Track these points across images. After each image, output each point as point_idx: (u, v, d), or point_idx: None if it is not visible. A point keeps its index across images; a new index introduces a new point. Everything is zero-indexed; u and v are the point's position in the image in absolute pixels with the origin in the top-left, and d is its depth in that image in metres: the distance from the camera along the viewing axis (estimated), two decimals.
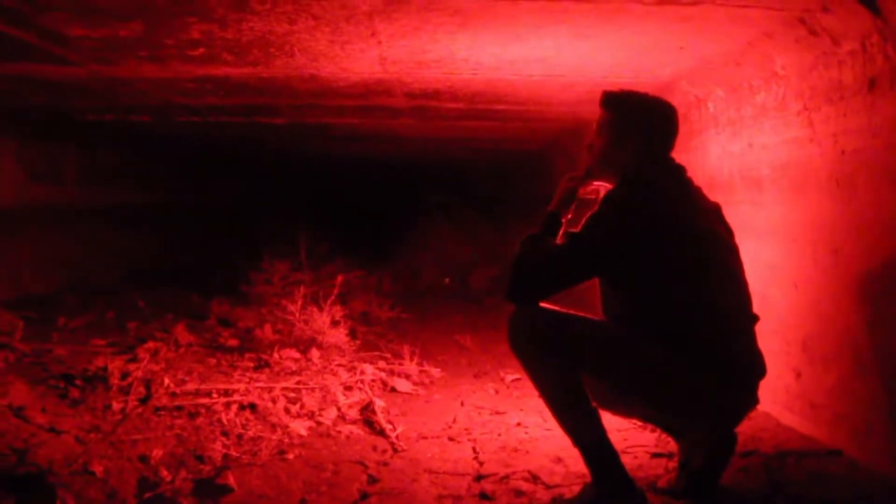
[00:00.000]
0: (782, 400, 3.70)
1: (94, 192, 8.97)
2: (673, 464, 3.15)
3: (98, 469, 3.11)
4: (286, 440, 3.64)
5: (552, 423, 3.00)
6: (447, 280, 9.16)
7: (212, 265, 9.51)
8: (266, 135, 8.05)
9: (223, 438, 3.59)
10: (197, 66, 4.40)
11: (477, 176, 10.44)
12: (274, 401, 4.11)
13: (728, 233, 2.89)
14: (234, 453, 3.42)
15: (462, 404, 4.38)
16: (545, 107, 5.66)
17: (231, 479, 3.07)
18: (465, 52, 3.92)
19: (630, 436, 3.61)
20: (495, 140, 8.17)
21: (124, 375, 4.32)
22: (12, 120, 6.99)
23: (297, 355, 5.10)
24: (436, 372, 4.98)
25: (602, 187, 3.01)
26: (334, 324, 5.41)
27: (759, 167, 3.93)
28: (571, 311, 2.79)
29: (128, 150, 9.48)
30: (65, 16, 3.41)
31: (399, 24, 3.41)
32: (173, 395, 4.14)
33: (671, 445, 3.26)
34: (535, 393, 2.91)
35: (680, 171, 2.90)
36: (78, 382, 4.31)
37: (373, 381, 4.65)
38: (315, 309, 5.54)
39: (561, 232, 2.90)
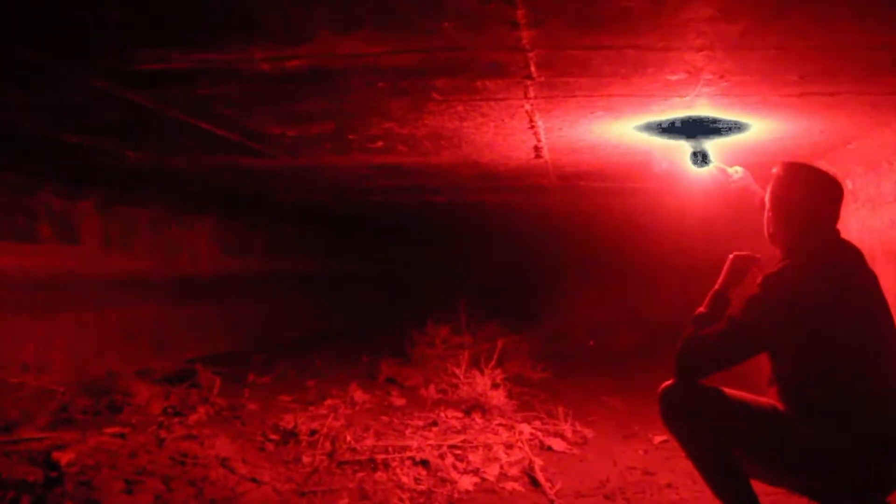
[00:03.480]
0: None
1: (276, 261, 9.43)
2: None
3: None
4: (455, 495, 3.70)
5: (702, 485, 2.95)
6: (592, 342, 9.09)
7: (378, 328, 9.77)
8: (428, 211, 8.28)
9: (399, 492, 3.68)
10: (374, 156, 4.62)
11: (620, 244, 10.39)
12: (442, 457, 4.19)
13: (884, 306, 2.78)
14: None
15: (614, 464, 4.34)
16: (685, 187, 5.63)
17: None
18: (616, 140, 3.98)
19: (779, 500, 3.50)
20: (637, 213, 8.14)
21: (312, 432, 4.51)
22: (211, 201, 7.49)
23: (461, 415, 5.18)
24: (588, 432, 4.93)
25: (757, 263, 2.97)
26: (495, 386, 5.49)
27: None
28: (725, 388, 2.77)
29: (305, 225, 9.94)
30: (267, 119, 3.67)
31: (558, 119, 3.51)
32: (353, 450, 4.28)
33: None
34: (683, 454, 2.88)
35: (842, 244, 2.81)
36: (272, 437, 4.53)
37: (530, 440, 4.66)
38: (477, 372, 5.64)
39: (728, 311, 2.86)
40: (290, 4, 2.15)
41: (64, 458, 3.71)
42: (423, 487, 3.77)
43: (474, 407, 5.31)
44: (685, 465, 3.25)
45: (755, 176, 3.37)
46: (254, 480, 3.67)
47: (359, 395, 5.71)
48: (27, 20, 2.29)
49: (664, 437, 4.62)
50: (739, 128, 3.62)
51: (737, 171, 3.41)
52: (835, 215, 2.81)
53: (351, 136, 4.04)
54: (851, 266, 2.75)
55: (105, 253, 6.40)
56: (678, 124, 3.52)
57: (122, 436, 4.35)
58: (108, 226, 6.44)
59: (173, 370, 6.39)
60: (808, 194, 2.80)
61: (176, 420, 4.84)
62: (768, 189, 2.90)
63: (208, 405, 5.35)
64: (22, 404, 4.69)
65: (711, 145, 3.74)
